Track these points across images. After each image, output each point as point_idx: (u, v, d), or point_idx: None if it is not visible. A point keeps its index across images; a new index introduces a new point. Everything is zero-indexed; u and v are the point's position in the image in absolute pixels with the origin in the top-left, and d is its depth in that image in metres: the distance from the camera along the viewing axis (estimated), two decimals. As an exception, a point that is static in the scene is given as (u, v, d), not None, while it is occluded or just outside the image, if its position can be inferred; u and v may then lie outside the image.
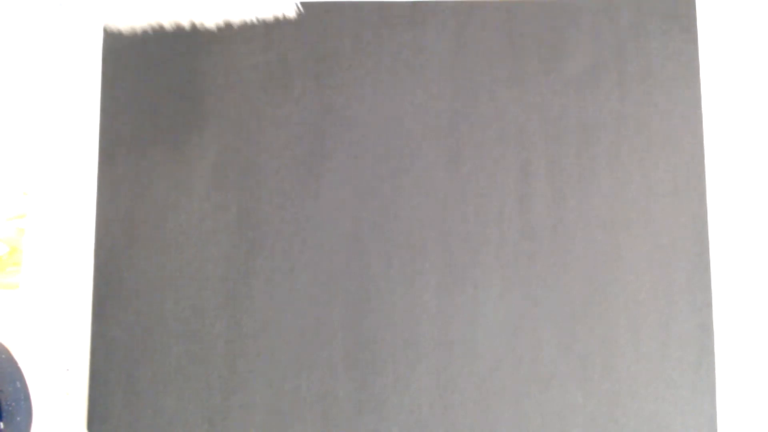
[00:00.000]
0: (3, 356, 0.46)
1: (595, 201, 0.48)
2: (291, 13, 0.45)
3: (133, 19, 0.49)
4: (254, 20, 0.49)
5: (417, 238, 0.47)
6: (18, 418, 0.45)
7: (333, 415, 0.46)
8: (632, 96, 0.48)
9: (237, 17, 0.49)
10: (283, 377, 0.46)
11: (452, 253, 0.47)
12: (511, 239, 0.47)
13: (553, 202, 0.48)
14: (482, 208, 0.48)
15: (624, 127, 0.48)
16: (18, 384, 0.46)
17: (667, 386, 0.46)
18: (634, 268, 0.47)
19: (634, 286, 0.47)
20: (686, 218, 0.47)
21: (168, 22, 0.49)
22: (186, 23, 0.49)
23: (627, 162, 0.48)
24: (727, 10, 0.49)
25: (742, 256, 0.47)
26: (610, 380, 0.46)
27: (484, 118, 0.48)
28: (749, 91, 0.49)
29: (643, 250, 0.47)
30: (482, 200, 0.48)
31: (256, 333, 0.47)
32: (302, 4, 0.49)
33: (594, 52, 0.49)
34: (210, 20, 0.49)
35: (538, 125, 0.48)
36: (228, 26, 0.49)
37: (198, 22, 0.49)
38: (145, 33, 0.49)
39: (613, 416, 0.46)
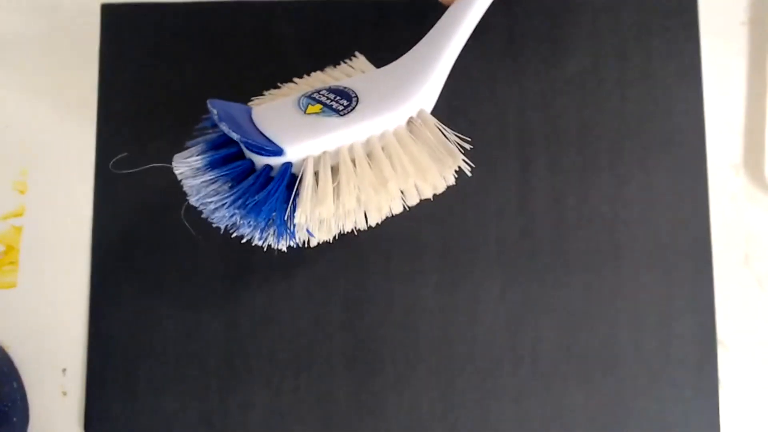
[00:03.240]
0: (-1, 356, 0.46)
1: (595, 201, 0.47)
2: None
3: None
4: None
5: (416, 236, 0.47)
6: (14, 419, 0.45)
7: (332, 415, 0.46)
8: (633, 95, 0.48)
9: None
10: (282, 377, 0.46)
11: (452, 251, 0.47)
12: (511, 238, 0.47)
13: (553, 202, 0.48)
14: (482, 207, 0.48)
15: (624, 126, 0.48)
16: (14, 384, 0.45)
17: (669, 386, 0.46)
18: (634, 268, 0.47)
19: (634, 286, 0.47)
20: (687, 218, 0.47)
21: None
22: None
23: (627, 162, 0.48)
24: (729, 9, 0.49)
25: (744, 255, 0.47)
26: (610, 380, 0.46)
27: (484, 117, 0.48)
28: (751, 91, 0.49)
29: (643, 250, 0.47)
30: (482, 200, 0.48)
31: (255, 333, 0.47)
32: (302, 2, 0.49)
33: (594, 50, 0.49)
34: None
35: (538, 125, 0.48)
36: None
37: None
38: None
39: (614, 416, 0.46)
